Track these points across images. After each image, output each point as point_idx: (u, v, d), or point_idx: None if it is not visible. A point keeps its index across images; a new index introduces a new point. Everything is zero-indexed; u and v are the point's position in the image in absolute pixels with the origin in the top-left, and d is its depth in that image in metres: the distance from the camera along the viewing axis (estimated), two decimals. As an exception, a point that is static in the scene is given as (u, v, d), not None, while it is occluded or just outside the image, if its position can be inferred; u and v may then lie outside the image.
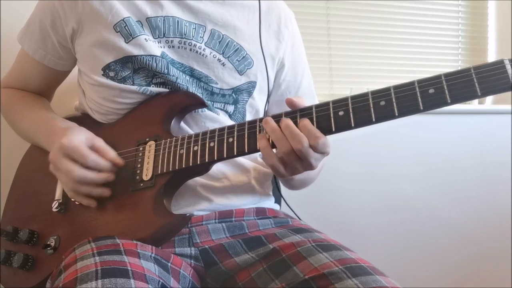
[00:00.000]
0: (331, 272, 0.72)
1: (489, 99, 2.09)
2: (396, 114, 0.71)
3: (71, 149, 0.84)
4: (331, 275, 0.72)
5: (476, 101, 2.03)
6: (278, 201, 1.14)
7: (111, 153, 0.88)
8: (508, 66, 0.65)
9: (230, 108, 1.01)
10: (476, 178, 1.90)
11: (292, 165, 0.78)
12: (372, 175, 1.76)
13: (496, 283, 1.94)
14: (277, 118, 0.79)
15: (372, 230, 1.77)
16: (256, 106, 1.05)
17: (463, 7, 2.05)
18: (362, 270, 0.73)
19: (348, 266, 0.73)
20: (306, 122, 0.76)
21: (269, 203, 1.06)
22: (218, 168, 0.95)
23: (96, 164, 0.85)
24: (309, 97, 1.13)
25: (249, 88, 1.02)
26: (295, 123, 0.76)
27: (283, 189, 1.18)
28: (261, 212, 0.98)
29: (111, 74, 0.94)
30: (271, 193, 1.09)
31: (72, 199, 0.90)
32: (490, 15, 2.09)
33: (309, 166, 0.79)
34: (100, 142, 0.89)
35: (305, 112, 0.77)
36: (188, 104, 0.93)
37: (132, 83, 0.95)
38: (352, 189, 1.74)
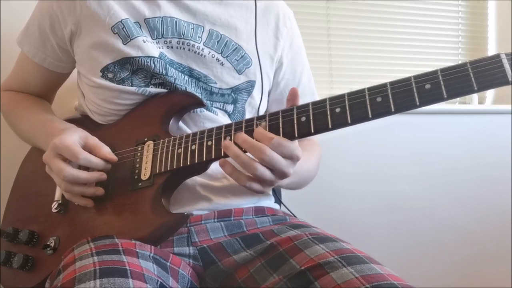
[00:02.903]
0: (326, 262, 0.73)
1: (489, 99, 2.09)
2: (393, 110, 0.70)
3: (62, 148, 0.84)
4: (327, 264, 0.72)
5: (476, 101, 2.03)
6: (278, 200, 1.14)
7: (104, 150, 0.88)
8: (504, 61, 0.64)
9: (230, 108, 1.01)
10: (476, 178, 1.90)
11: (266, 179, 0.77)
12: (371, 175, 1.76)
13: (496, 283, 1.94)
14: (273, 116, 0.79)
15: (372, 230, 1.77)
16: (255, 106, 1.05)
17: (463, 7, 2.05)
18: (358, 259, 0.73)
19: (344, 255, 0.74)
20: (259, 129, 0.77)
21: (268, 202, 1.06)
22: (217, 167, 0.95)
23: (87, 162, 0.85)
24: (309, 95, 1.13)
25: (248, 88, 1.02)
26: (292, 122, 0.76)
27: (283, 190, 1.18)
28: (260, 211, 0.98)
29: (110, 75, 0.95)
30: (270, 192, 1.09)
31: (70, 200, 0.90)
32: (490, 15, 2.09)
33: (283, 175, 0.78)
34: (93, 140, 0.89)
35: (302, 109, 0.77)
36: (186, 104, 0.93)
37: (130, 84, 0.95)
38: (351, 189, 1.74)
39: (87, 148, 0.87)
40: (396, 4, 1.95)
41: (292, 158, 0.77)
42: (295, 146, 0.77)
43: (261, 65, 1.02)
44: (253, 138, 0.77)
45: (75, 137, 0.87)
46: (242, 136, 0.77)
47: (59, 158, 0.85)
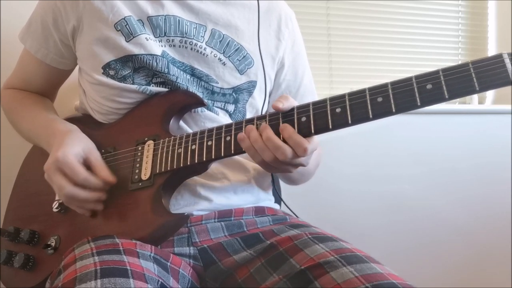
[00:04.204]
0: (326, 261, 0.73)
1: (489, 99, 2.09)
2: (394, 111, 0.70)
3: (64, 164, 0.84)
4: (327, 264, 0.73)
5: (476, 101, 2.03)
6: (278, 201, 1.14)
7: (104, 172, 0.87)
8: (507, 60, 0.64)
9: (231, 108, 1.01)
10: (476, 178, 1.90)
11: (281, 168, 0.79)
12: (372, 175, 1.76)
13: (496, 283, 1.94)
14: (273, 116, 0.79)
15: (372, 230, 1.77)
16: (256, 106, 1.05)
17: (463, 7, 2.05)
18: (357, 258, 0.73)
19: (344, 255, 0.74)
20: (290, 132, 0.75)
21: (268, 202, 1.06)
22: (218, 167, 0.96)
23: (87, 182, 0.85)
24: (310, 97, 1.13)
25: (250, 88, 1.02)
26: (292, 122, 0.77)
27: (283, 190, 1.18)
28: (260, 211, 0.98)
29: (111, 72, 0.94)
30: (270, 192, 1.09)
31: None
32: (490, 15, 2.09)
33: (300, 166, 0.80)
34: (95, 157, 0.88)
35: (302, 109, 0.77)
36: (187, 104, 0.93)
37: (132, 82, 0.95)
38: (352, 189, 1.74)
39: (87, 163, 0.87)
40: (396, 4, 1.95)
41: (312, 153, 0.78)
42: (318, 141, 0.78)
43: (264, 66, 1.03)
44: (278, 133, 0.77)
45: (77, 151, 0.87)
46: (267, 133, 0.76)
47: (59, 173, 0.85)
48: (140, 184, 0.87)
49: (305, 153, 0.74)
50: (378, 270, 0.70)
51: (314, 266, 0.73)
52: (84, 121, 1.02)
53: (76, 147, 0.87)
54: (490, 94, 2.09)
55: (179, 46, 0.96)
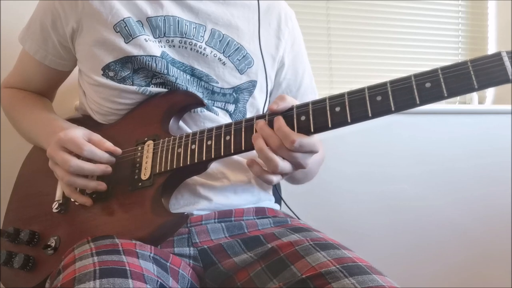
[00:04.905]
0: (328, 271, 0.72)
1: (489, 99, 2.09)
2: (393, 109, 0.70)
3: (67, 141, 0.85)
4: (328, 274, 0.72)
5: (476, 101, 2.03)
6: (278, 201, 1.14)
7: (108, 143, 0.89)
8: (505, 58, 0.64)
9: (231, 107, 1.01)
10: (476, 178, 1.90)
11: (286, 172, 0.78)
12: (372, 175, 1.76)
13: (496, 284, 1.94)
14: (273, 116, 0.79)
15: (372, 230, 1.77)
16: (257, 106, 1.05)
17: (463, 7, 2.05)
18: (359, 269, 0.73)
19: (345, 265, 0.73)
20: (281, 123, 0.76)
21: (269, 202, 1.06)
22: (218, 167, 0.96)
23: (92, 153, 0.86)
24: (311, 96, 1.13)
25: (250, 87, 1.02)
26: (291, 121, 0.77)
27: (283, 190, 1.18)
28: (260, 212, 0.98)
29: (111, 74, 0.94)
30: (271, 192, 1.09)
31: (69, 197, 0.90)
32: (490, 15, 2.09)
33: (299, 166, 0.79)
34: (96, 135, 0.90)
35: (302, 109, 0.77)
36: (186, 104, 0.93)
37: (131, 83, 0.95)
38: (352, 189, 1.74)
39: (91, 143, 0.88)
40: (396, 4, 1.95)
41: (312, 152, 0.78)
42: (314, 141, 0.77)
43: (265, 65, 1.03)
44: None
45: (78, 132, 0.88)
46: (260, 123, 0.78)
47: (63, 150, 0.86)
48: (139, 184, 0.87)
49: (292, 145, 0.74)
50: (380, 283, 0.69)
51: (315, 276, 0.73)
52: (84, 122, 1.02)
53: (77, 130, 0.89)
54: (490, 94, 2.09)
55: (179, 47, 0.96)
